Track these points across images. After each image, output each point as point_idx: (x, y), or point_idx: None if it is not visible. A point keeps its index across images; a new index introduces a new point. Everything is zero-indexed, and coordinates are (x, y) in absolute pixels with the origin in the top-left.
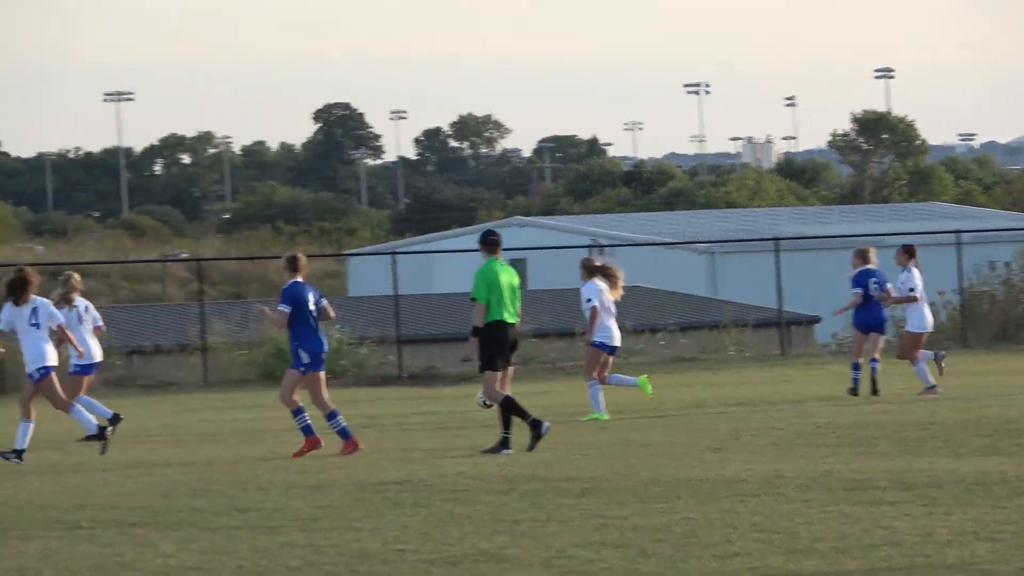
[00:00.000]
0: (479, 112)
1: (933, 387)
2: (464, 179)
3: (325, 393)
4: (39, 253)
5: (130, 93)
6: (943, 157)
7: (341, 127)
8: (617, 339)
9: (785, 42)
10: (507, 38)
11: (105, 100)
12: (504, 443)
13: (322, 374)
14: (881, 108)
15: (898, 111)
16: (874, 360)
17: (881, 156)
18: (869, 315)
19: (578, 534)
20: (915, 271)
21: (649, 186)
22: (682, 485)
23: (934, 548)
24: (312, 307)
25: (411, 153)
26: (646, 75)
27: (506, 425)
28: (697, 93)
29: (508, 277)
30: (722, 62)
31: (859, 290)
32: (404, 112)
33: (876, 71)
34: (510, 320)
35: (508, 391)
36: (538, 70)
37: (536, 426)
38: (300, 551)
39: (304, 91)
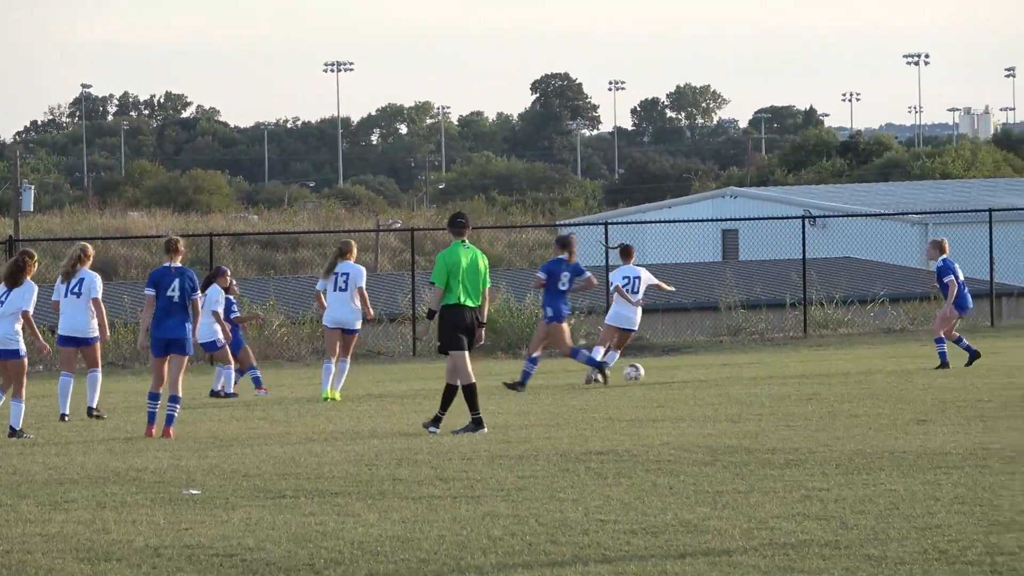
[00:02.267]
0: (697, 83)
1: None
2: (679, 150)
3: (180, 378)
4: (253, 223)
5: (350, 63)
6: None
7: (559, 97)
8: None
9: (1007, 11)
10: (725, 9)
11: (325, 70)
12: (435, 421)
13: (183, 359)
14: None
15: None
16: (945, 340)
17: None
18: (966, 298)
19: (780, 505)
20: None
21: (865, 157)
22: (886, 457)
23: None
24: (172, 292)
25: (628, 124)
26: (865, 45)
27: (446, 407)
28: (916, 63)
29: (471, 260)
30: (942, 32)
31: (951, 277)
32: (622, 83)
33: None
34: (470, 304)
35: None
36: (756, 40)
37: (478, 424)
38: (502, 521)
39: (523, 62)
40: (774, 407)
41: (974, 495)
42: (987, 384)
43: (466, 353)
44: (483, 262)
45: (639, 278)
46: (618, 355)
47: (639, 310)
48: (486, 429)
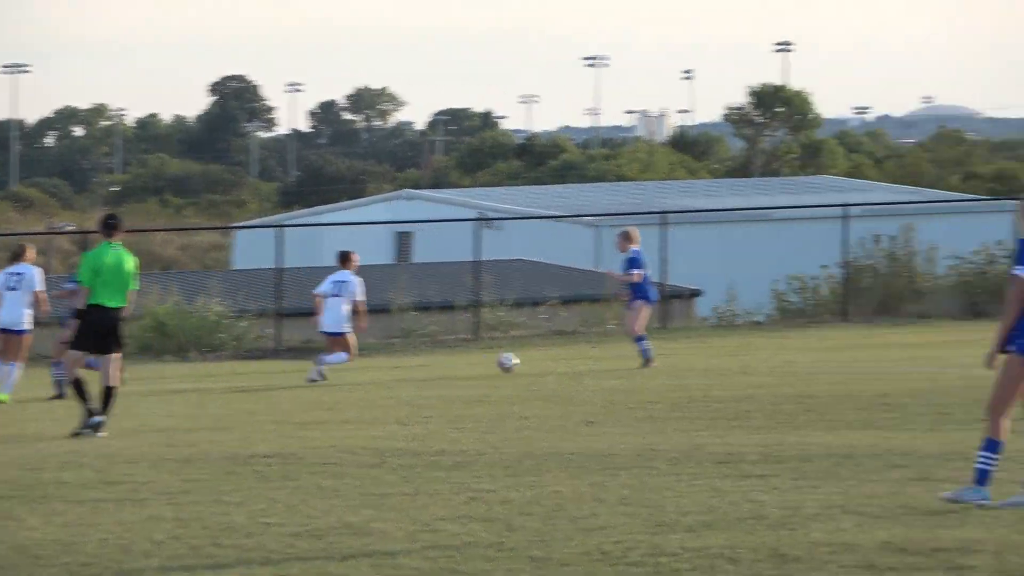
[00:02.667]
0: (375, 85)
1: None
2: (356, 152)
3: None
4: None
5: (27, 65)
6: (836, 131)
7: (236, 100)
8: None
9: (685, 15)
10: (405, 9)
11: (2, 72)
12: (89, 420)
13: None
14: (779, 82)
15: (796, 84)
16: (645, 337)
17: (775, 129)
18: (651, 290)
19: (446, 507)
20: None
21: (541, 159)
22: (553, 459)
23: (800, 522)
24: None
25: (306, 126)
26: (544, 48)
27: (86, 400)
28: (594, 66)
29: (116, 262)
30: (622, 34)
31: (639, 271)
32: (300, 85)
33: (775, 44)
34: (111, 304)
35: (118, 375)
36: (436, 42)
37: (91, 414)
38: (166, 524)
39: (200, 64)
40: (443, 409)
41: (639, 496)
42: (656, 385)
43: (112, 356)
44: (128, 264)
45: (346, 283)
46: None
47: (346, 313)
48: (98, 432)
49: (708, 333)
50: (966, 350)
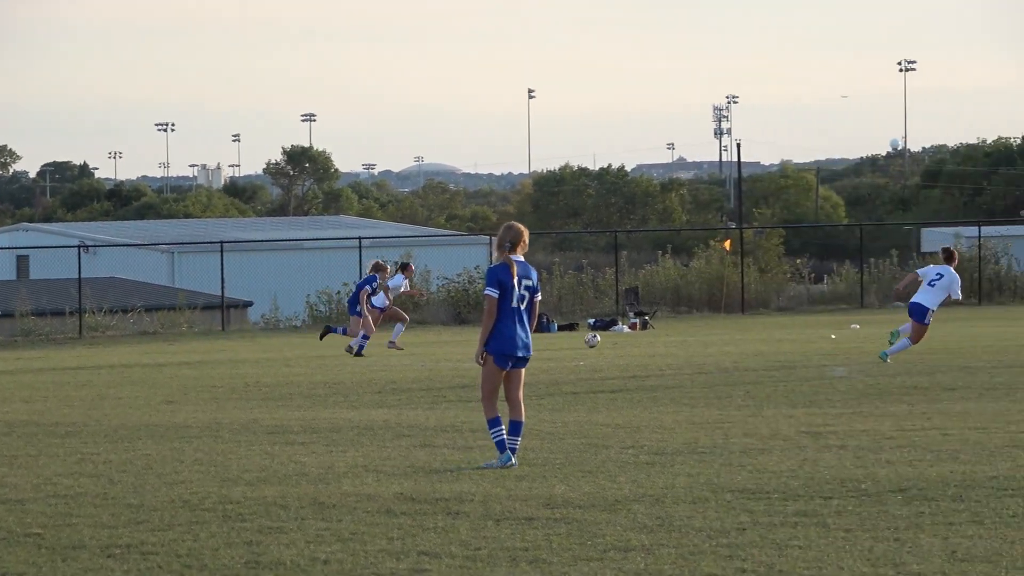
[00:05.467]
0: None
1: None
2: None
3: None
4: None
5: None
6: (351, 182)
7: None
8: None
9: (229, 88)
10: (13, 78)
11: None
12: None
13: None
14: (306, 144)
15: (319, 146)
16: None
17: (304, 180)
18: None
19: (62, 466)
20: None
21: (127, 200)
22: (143, 429)
23: (333, 478)
24: None
25: None
26: (125, 114)
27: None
28: (165, 130)
29: None
30: (185, 104)
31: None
32: None
33: (303, 115)
34: None
35: None
36: (42, 104)
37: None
38: None
39: None
40: (57, 391)
41: (210, 458)
42: (219, 374)
43: None
44: None
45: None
46: None
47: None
48: None
49: (258, 334)
50: (455, 348)
